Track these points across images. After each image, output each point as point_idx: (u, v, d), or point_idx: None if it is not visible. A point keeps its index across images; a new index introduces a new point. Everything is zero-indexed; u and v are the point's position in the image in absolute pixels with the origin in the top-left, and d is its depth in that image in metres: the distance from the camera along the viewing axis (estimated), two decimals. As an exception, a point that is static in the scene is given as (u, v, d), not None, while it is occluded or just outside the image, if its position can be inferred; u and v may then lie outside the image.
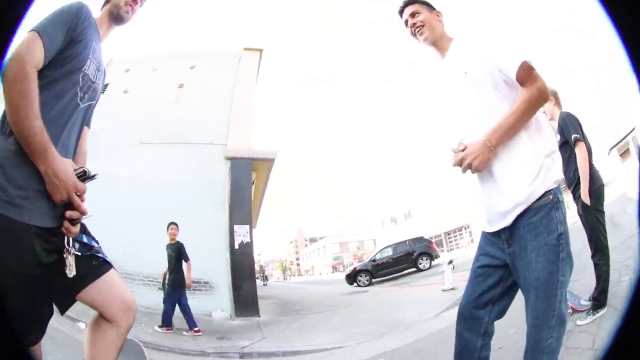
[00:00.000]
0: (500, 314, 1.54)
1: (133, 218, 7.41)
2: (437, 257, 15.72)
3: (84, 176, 1.27)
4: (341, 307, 8.60)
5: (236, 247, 8.37)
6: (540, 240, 1.35)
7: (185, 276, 5.75)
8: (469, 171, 1.48)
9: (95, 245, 1.39)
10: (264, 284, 25.12)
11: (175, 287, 5.68)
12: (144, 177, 8.10)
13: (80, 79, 1.38)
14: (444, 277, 7.23)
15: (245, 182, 9.31)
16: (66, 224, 1.26)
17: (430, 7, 1.75)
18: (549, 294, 1.33)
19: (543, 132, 1.46)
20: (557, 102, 3.27)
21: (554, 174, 1.41)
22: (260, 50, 12.59)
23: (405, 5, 1.76)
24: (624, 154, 22.42)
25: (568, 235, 1.37)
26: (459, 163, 1.46)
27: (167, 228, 5.90)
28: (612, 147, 23.20)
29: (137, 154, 8.93)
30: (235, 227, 8.53)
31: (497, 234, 1.51)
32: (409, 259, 15.53)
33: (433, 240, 18.61)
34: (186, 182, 8.64)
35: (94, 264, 1.36)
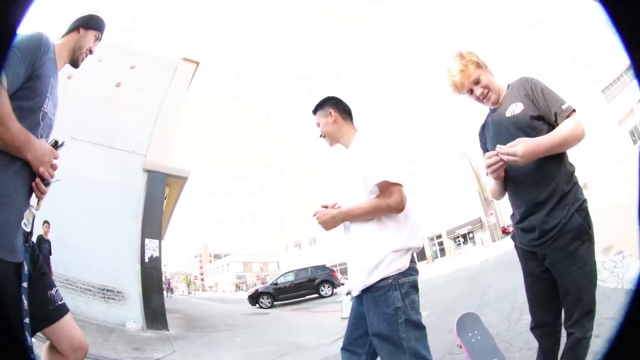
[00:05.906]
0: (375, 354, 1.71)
1: (58, 215, 7.08)
2: (339, 285, 16.10)
3: (56, 145, 1.48)
4: (243, 327, 8.97)
5: (146, 260, 8.34)
6: (380, 309, 1.57)
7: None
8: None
9: (51, 292, 1.50)
10: (169, 296, 23.86)
11: None
12: (74, 175, 7.77)
13: (41, 119, 1.39)
14: (342, 306, 7.88)
15: (159, 196, 9.32)
16: (39, 184, 1.38)
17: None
18: (393, 343, 1.53)
19: (404, 231, 1.65)
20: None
21: (398, 265, 1.59)
22: (197, 63, 12.63)
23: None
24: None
25: (409, 306, 1.56)
26: (315, 214, 1.79)
27: (42, 225, 6.54)
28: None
29: (69, 148, 8.57)
30: (146, 240, 8.50)
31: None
32: (310, 285, 16.00)
33: (337, 268, 19.17)
34: (106, 188, 8.52)
35: (49, 309, 1.46)
